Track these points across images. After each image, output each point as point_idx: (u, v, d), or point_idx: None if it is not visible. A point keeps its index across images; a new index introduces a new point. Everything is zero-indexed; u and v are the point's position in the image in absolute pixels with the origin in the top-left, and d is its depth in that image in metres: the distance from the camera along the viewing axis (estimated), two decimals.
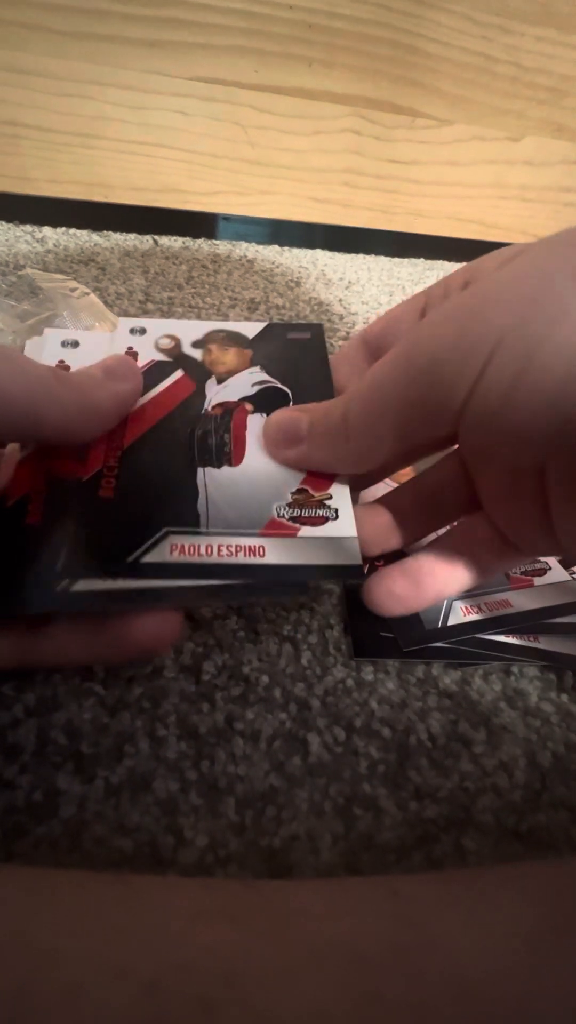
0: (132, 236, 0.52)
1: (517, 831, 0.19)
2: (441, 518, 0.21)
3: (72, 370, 0.20)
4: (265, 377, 0.21)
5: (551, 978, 0.12)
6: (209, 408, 0.20)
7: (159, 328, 0.22)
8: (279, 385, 0.21)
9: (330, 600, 0.25)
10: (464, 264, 0.18)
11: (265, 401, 0.21)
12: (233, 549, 0.17)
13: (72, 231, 0.50)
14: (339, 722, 0.21)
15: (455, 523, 0.21)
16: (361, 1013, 0.11)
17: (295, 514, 0.18)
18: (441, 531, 0.21)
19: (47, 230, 0.50)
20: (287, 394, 0.21)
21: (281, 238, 0.57)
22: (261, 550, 0.17)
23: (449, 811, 0.19)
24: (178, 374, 0.21)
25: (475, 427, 0.14)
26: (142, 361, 0.21)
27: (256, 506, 0.18)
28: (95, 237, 0.50)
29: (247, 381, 0.21)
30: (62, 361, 0.21)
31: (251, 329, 0.23)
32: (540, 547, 0.18)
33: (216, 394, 0.21)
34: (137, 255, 0.49)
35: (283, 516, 0.18)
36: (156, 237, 0.53)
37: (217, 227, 0.55)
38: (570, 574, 0.25)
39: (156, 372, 0.21)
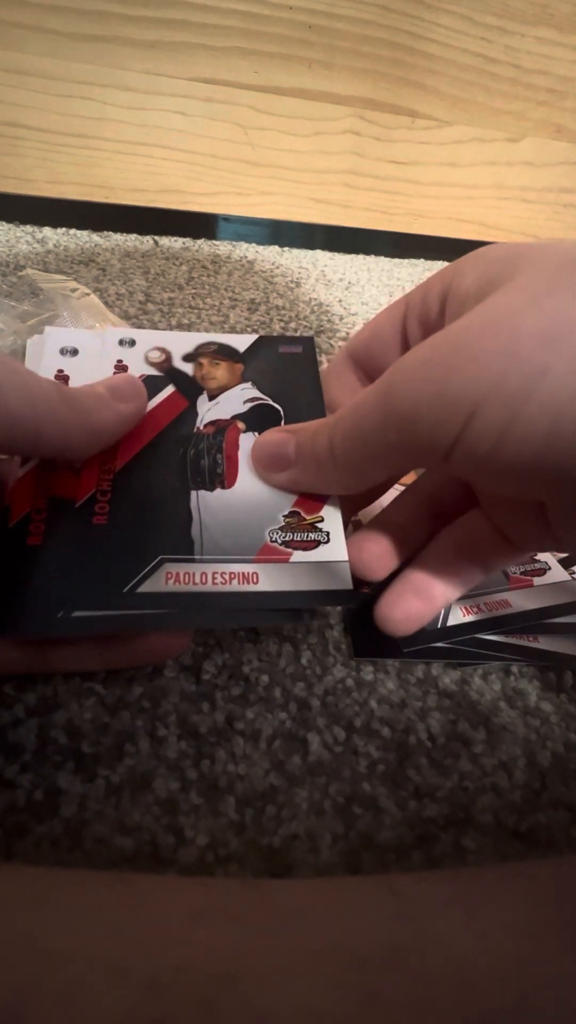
0: (132, 237, 0.52)
1: (516, 830, 0.19)
2: (443, 518, 0.21)
3: (71, 381, 0.20)
4: (256, 393, 0.21)
5: (550, 977, 0.12)
6: (201, 426, 0.20)
7: (149, 340, 0.22)
8: (271, 403, 0.21)
9: (316, 607, 0.25)
10: (443, 267, 0.18)
11: (257, 419, 0.20)
12: (227, 576, 0.17)
13: (72, 232, 0.50)
14: (339, 722, 0.21)
15: (455, 523, 0.21)
16: (361, 1013, 0.11)
17: (288, 538, 0.18)
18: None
19: (47, 231, 0.50)
20: (279, 412, 0.21)
21: (281, 239, 0.57)
22: (255, 577, 0.17)
23: (449, 810, 0.19)
24: (169, 390, 0.21)
25: (463, 468, 0.14)
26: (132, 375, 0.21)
27: (249, 531, 0.18)
28: (95, 238, 0.50)
29: (239, 397, 0.21)
30: (61, 371, 0.20)
31: (242, 342, 0.22)
32: (539, 544, 0.18)
33: (208, 411, 0.20)
34: (137, 256, 0.49)
35: (276, 541, 0.18)
36: (156, 238, 0.53)
37: (217, 228, 0.55)
38: (570, 574, 0.25)
39: (147, 387, 0.20)
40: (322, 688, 0.22)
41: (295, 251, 0.56)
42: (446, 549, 0.20)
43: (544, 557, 0.26)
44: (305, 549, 0.18)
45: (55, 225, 0.50)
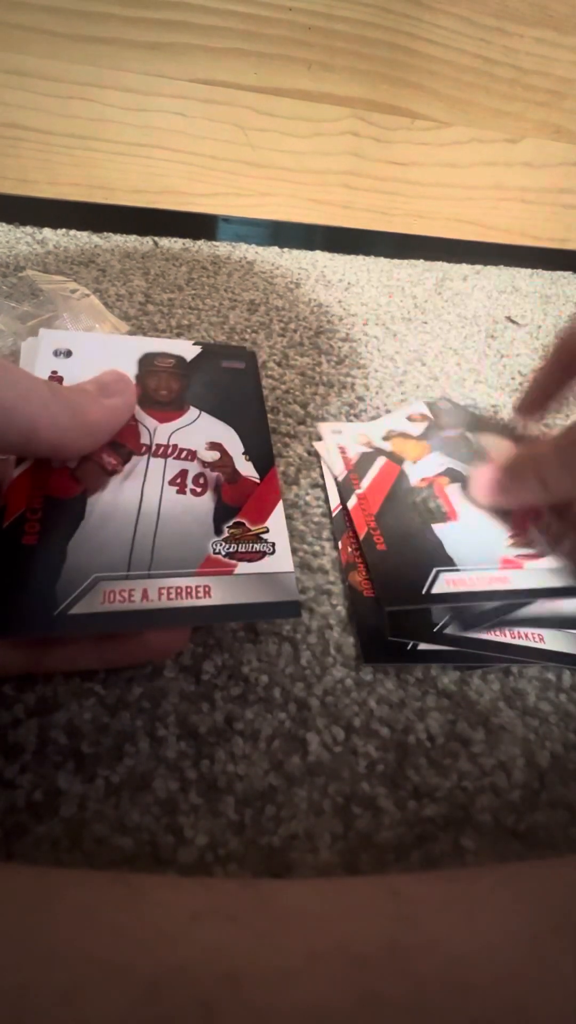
0: (132, 238, 0.52)
1: (516, 831, 0.19)
2: None
3: (65, 382, 0.20)
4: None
5: (550, 977, 0.12)
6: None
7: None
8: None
9: (329, 600, 0.25)
10: None
11: None
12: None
13: (72, 233, 0.50)
14: (338, 722, 0.21)
15: None
16: (361, 1013, 0.11)
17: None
18: None
19: (47, 232, 0.50)
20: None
21: (281, 239, 0.57)
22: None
23: (448, 810, 0.19)
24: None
25: None
26: None
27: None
28: (95, 239, 0.50)
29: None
30: (55, 372, 0.20)
31: (189, 352, 0.22)
32: None
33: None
34: (137, 256, 0.49)
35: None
36: (156, 239, 0.53)
37: (217, 228, 0.55)
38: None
39: None
40: (321, 688, 0.22)
41: (295, 252, 0.56)
42: None
43: (541, 544, 0.26)
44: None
45: (55, 226, 0.50)
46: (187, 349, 0.23)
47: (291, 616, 0.18)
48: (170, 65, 0.45)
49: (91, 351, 0.22)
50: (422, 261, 0.60)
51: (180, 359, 0.22)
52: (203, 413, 0.21)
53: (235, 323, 0.43)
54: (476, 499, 0.26)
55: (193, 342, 0.23)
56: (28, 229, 0.49)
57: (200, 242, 0.54)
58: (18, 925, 0.12)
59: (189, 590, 0.17)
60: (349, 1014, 0.11)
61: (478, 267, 0.61)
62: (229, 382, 0.22)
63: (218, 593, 0.17)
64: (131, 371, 0.21)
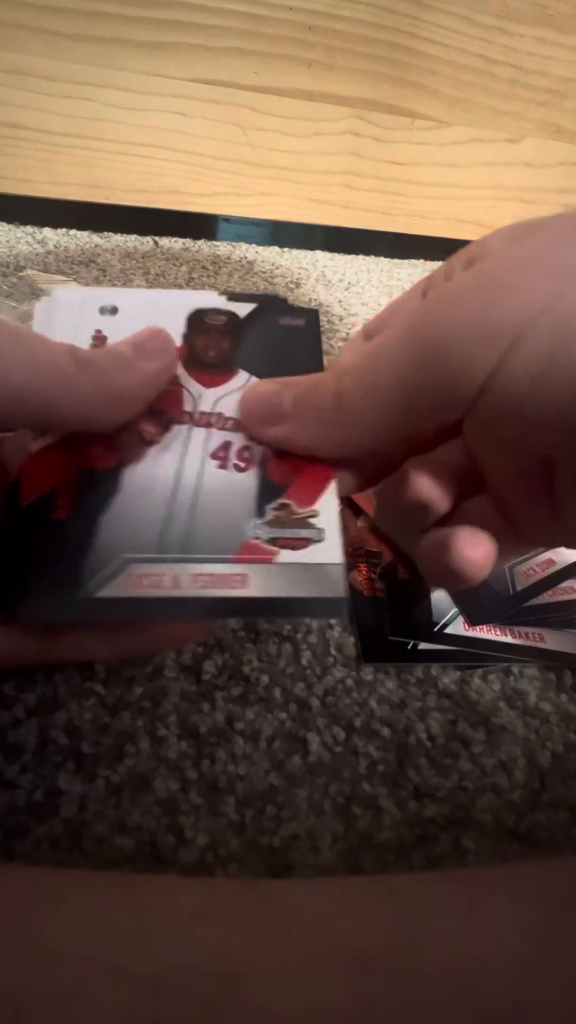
0: (132, 237, 0.52)
1: (516, 831, 0.19)
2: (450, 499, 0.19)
3: (110, 341, 0.18)
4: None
5: (550, 977, 0.12)
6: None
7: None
8: None
9: (300, 619, 0.25)
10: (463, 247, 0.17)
11: None
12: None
13: (73, 232, 0.50)
14: (339, 722, 0.21)
15: (459, 508, 0.19)
16: (361, 1013, 0.11)
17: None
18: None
19: (48, 231, 0.50)
20: None
21: (281, 239, 0.57)
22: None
23: (448, 811, 0.19)
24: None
25: (488, 413, 0.13)
26: None
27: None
28: (95, 238, 0.50)
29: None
30: (99, 331, 0.19)
31: (243, 308, 0.20)
32: (546, 534, 0.17)
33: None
34: (137, 256, 0.49)
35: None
36: (156, 238, 0.53)
37: (217, 228, 0.55)
38: None
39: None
40: (322, 688, 0.22)
41: (295, 252, 0.56)
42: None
43: (552, 548, 0.26)
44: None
45: (55, 226, 0.50)
46: (242, 306, 0.20)
47: (335, 616, 0.16)
48: (170, 64, 0.45)
49: (139, 307, 0.20)
50: (422, 261, 0.60)
51: (233, 315, 0.20)
52: (252, 377, 0.19)
53: None
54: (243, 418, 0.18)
55: (250, 296, 0.21)
56: (28, 229, 0.49)
57: (200, 242, 0.54)
58: (18, 925, 0.12)
59: (224, 579, 0.15)
60: (349, 1014, 0.11)
61: None
62: (286, 342, 0.20)
63: (255, 583, 0.15)
64: (179, 330, 0.19)
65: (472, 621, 0.23)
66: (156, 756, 0.19)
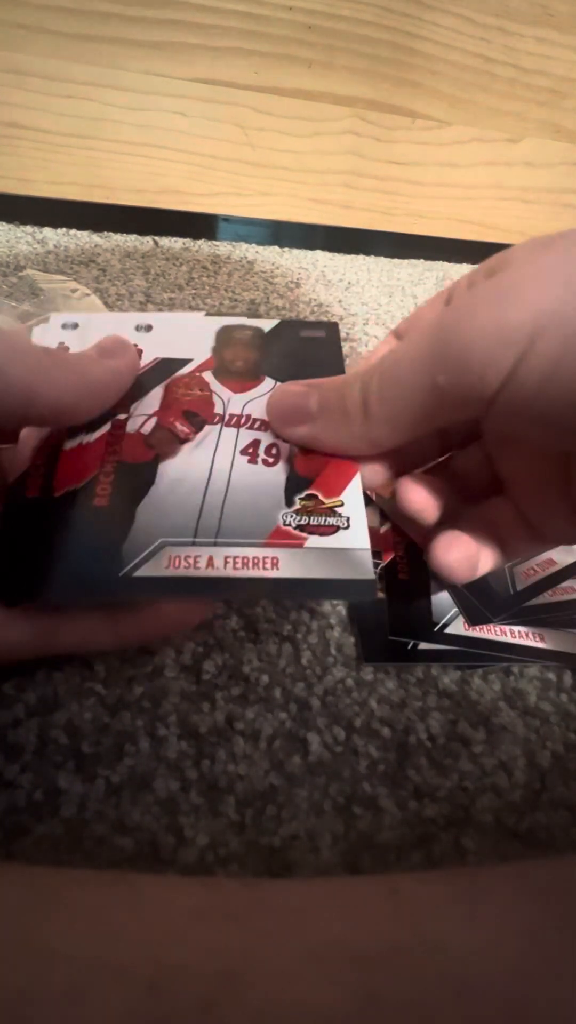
0: (132, 237, 0.52)
1: (516, 831, 0.19)
2: (470, 502, 0.20)
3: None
4: None
5: (550, 977, 0.12)
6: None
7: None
8: None
9: (329, 600, 0.25)
10: (488, 258, 0.17)
11: None
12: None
13: (72, 232, 0.50)
14: (339, 722, 0.21)
15: (478, 507, 0.20)
16: (361, 1013, 0.11)
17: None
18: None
19: (47, 231, 0.50)
20: None
21: (281, 239, 0.57)
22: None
23: (449, 810, 0.19)
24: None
25: (506, 413, 0.14)
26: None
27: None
28: (95, 238, 0.50)
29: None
30: (63, 343, 0.20)
31: (267, 324, 0.22)
32: (564, 533, 0.18)
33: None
34: (137, 256, 0.49)
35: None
36: (156, 238, 0.53)
37: (217, 228, 0.55)
38: None
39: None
40: (322, 688, 0.22)
41: (295, 251, 0.56)
42: (470, 527, 0.19)
43: (570, 545, 0.26)
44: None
45: (55, 225, 0.50)
46: (265, 322, 0.22)
47: (365, 597, 0.17)
48: (170, 64, 0.45)
49: (170, 327, 0.22)
50: (422, 261, 0.60)
51: (258, 330, 0.22)
52: (278, 383, 0.20)
53: None
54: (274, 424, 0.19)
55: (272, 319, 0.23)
56: (28, 228, 0.49)
57: (200, 242, 0.54)
58: (18, 925, 0.12)
59: (256, 560, 0.16)
60: (349, 1014, 0.11)
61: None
62: (308, 352, 0.21)
63: (286, 566, 0.16)
64: (208, 344, 0.21)
65: (472, 621, 0.23)
66: (156, 756, 0.19)
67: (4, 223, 0.49)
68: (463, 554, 0.18)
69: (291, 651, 0.23)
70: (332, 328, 0.22)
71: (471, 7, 0.46)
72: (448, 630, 0.23)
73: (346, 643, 0.23)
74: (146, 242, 0.52)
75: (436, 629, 0.23)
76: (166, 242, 0.52)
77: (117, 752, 0.19)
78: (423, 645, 0.23)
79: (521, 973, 0.12)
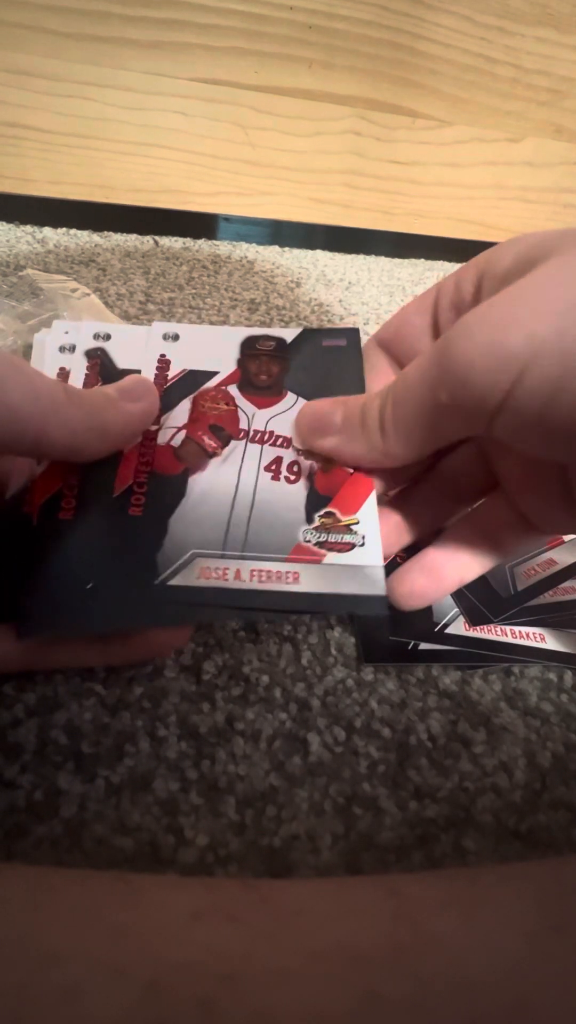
0: (133, 237, 0.52)
1: (517, 831, 0.19)
2: (461, 503, 0.21)
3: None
4: None
5: (551, 977, 0.12)
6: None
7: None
8: None
9: (342, 614, 0.25)
10: (469, 261, 0.18)
11: None
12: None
13: (73, 232, 0.50)
14: (339, 722, 0.21)
15: (474, 506, 0.21)
16: (361, 1013, 0.11)
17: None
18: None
19: (48, 231, 0.50)
20: None
21: (282, 239, 0.57)
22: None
23: (449, 811, 0.19)
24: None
25: (507, 428, 0.14)
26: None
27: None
28: (96, 238, 0.50)
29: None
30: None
31: (289, 334, 0.23)
32: (561, 523, 0.19)
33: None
34: (138, 256, 0.49)
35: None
36: (157, 238, 0.53)
37: (218, 228, 0.55)
38: None
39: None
40: (322, 688, 0.22)
41: (295, 251, 0.56)
42: (463, 530, 0.20)
43: (568, 534, 0.26)
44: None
45: (55, 225, 0.50)
46: (288, 331, 0.23)
47: (377, 613, 0.17)
48: (171, 64, 0.45)
49: (196, 336, 0.22)
50: (423, 261, 0.60)
51: (280, 340, 0.22)
52: (300, 399, 0.21)
53: (235, 322, 0.43)
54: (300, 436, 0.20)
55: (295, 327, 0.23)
56: (28, 228, 0.49)
57: (201, 241, 0.54)
58: (18, 925, 0.12)
59: (279, 575, 0.17)
60: (349, 1014, 0.11)
61: None
62: (329, 362, 0.22)
63: (306, 581, 0.17)
64: (233, 355, 0.22)
65: (472, 621, 0.23)
66: (156, 756, 0.19)
67: (4, 223, 0.49)
68: (414, 587, 0.20)
69: (291, 651, 0.23)
70: (353, 335, 0.23)
71: (471, 7, 0.46)
72: (449, 630, 0.23)
73: (346, 643, 0.23)
74: (146, 242, 0.52)
75: (436, 629, 0.23)
76: (166, 242, 0.52)
77: (117, 752, 0.19)
78: (423, 645, 0.23)
79: (521, 973, 0.12)
